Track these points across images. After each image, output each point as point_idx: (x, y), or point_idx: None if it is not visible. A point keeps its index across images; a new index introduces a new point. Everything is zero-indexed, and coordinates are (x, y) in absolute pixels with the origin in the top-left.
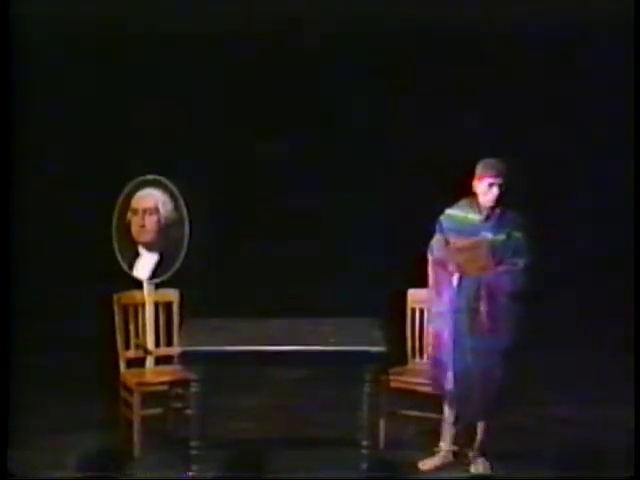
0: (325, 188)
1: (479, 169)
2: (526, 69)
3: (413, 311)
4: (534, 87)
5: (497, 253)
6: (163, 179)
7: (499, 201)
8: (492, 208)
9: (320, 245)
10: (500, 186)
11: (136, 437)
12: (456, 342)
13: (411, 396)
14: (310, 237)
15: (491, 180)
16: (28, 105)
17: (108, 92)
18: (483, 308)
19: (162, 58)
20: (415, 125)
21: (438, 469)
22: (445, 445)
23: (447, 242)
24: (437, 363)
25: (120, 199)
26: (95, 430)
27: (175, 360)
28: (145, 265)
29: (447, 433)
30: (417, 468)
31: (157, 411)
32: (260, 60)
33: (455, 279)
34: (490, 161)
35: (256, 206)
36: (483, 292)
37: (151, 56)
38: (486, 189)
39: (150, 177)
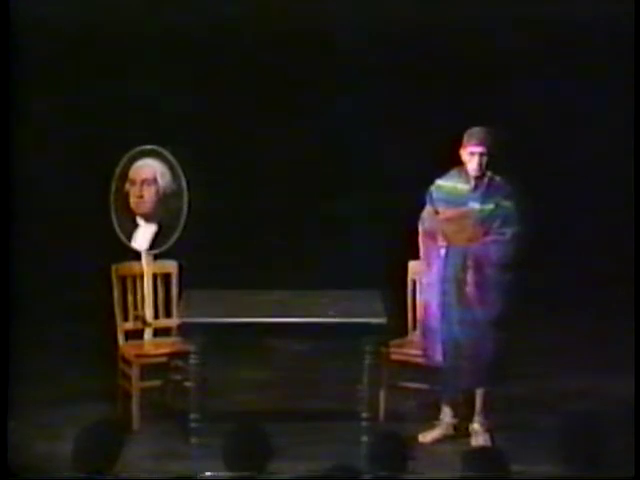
0: (325, 158)
1: (464, 138)
2: (526, 68)
3: (414, 282)
4: (534, 86)
5: (485, 223)
6: (161, 149)
7: (482, 170)
8: (479, 177)
9: (320, 215)
10: (481, 155)
11: (135, 410)
12: (444, 313)
13: (411, 368)
14: (310, 208)
15: (472, 149)
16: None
17: (107, 68)
18: (470, 279)
19: (162, 51)
20: (415, 96)
21: (438, 441)
22: (446, 417)
23: (437, 212)
24: (427, 334)
25: (118, 170)
26: (93, 403)
27: (174, 332)
28: (143, 236)
29: (447, 405)
30: (417, 441)
31: (156, 383)
32: (259, 35)
33: (443, 250)
34: (473, 129)
35: (256, 177)
36: (470, 263)
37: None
38: (469, 158)
39: (148, 147)
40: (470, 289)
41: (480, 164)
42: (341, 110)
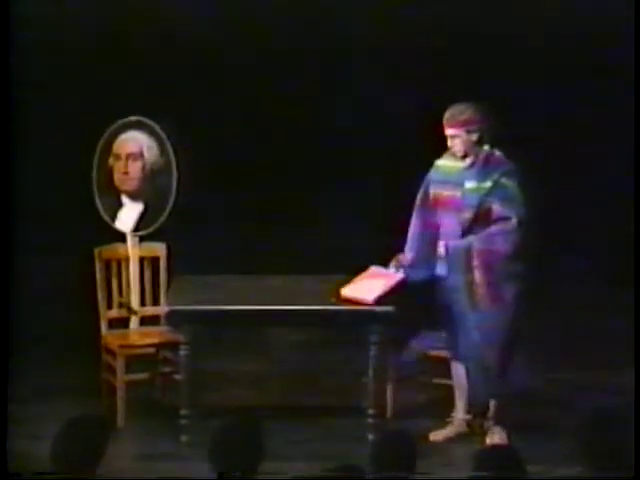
0: (324, 136)
1: None
2: (526, 68)
3: None
4: (535, 86)
5: (483, 203)
6: (148, 121)
7: (462, 150)
8: (472, 154)
9: (320, 196)
10: (453, 137)
11: (120, 405)
12: (459, 319)
13: (421, 360)
14: (310, 187)
15: (446, 130)
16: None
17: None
18: (479, 278)
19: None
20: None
21: (451, 440)
22: (458, 414)
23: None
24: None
25: (101, 143)
26: (75, 397)
27: (162, 320)
28: (129, 216)
29: (460, 401)
30: (428, 439)
31: (143, 376)
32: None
33: (443, 249)
34: (451, 109)
35: (252, 153)
36: (476, 262)
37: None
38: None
39: (134, 119)
40: (482, 290)
41: (455, 146)
42: (339, 95)
